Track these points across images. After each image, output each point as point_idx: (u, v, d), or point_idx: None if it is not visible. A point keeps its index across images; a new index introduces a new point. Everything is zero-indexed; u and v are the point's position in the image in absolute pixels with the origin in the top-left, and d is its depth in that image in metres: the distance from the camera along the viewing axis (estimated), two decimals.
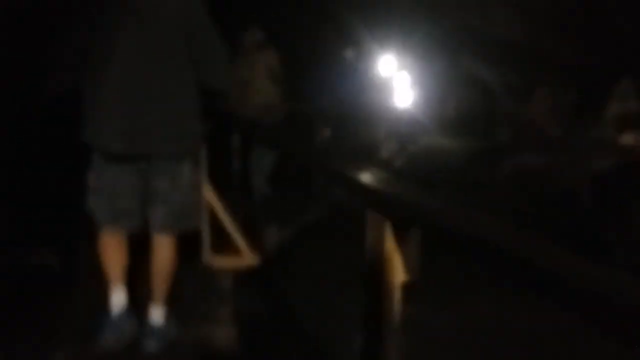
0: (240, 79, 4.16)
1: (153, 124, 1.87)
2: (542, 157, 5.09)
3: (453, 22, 7.35)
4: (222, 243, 3.16)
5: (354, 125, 5.50)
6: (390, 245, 1.00)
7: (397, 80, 7.18)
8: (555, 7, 6.61)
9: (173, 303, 2.24)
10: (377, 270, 1.02)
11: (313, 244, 3.79)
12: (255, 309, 2.67)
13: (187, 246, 2.30)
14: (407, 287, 1.05)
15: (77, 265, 2.83)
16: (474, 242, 0.95)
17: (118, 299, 2.09)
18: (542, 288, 0.80)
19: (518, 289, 1.34)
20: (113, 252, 2.06)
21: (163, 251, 2.09)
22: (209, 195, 2.96)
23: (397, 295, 1.04)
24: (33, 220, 2.98)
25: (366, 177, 1.39)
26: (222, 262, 3.16)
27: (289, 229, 4.12)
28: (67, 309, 2.46)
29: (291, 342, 2.28)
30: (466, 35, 7.52)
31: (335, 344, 2.20)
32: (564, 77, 6.44)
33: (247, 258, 3.17)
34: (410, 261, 1.01)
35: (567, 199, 4.24)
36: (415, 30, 7.56)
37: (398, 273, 1.01)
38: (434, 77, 11.90)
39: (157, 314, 2.12)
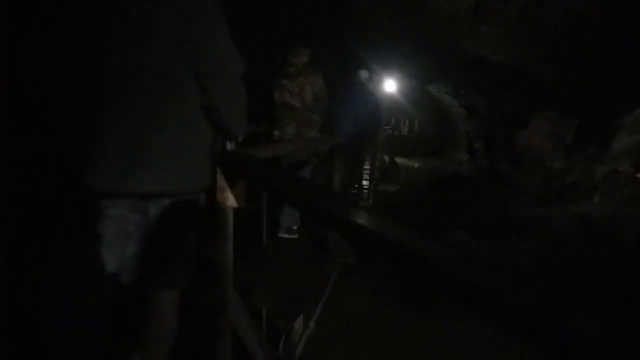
0: (285, 104, 3.67)
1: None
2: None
3: (452, 47, 6.96)
4: None
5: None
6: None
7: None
8: (555, 33, 6.35)
9: None
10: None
11: None
12: None
13: None
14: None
15: None
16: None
17: None
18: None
19: None
20: None
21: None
22: None
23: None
24: None
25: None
26: None
27: None
28: None
29: None
30: (460, 60, 7.13)
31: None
32: (563, 105, 6.17)
33: None
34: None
35: None
36: (415, 55, 7.14)
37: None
38: (403, 98, 11.72)
39: None
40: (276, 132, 3.70)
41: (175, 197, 1.52)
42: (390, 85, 8.91)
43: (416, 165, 10.68)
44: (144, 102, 1.42)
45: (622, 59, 6.06)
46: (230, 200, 1.56)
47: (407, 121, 14.49)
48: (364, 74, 5.51)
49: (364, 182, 5.83)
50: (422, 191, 7.02)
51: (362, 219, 0.92)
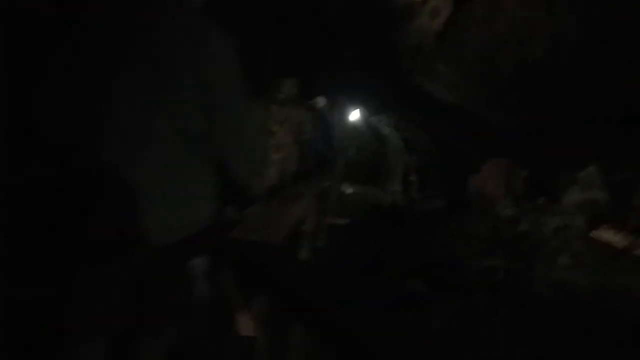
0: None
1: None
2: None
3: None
4: None
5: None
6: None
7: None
8: (508, 80, 6.42)
9: None
10: None
11: None
12: None
13: None
14: None
15: None
16: None
17: None
18: None
19: None
20: None
21: None
22: None
23: None
24: None
25: None
26: None
27: None
28: None
29: None
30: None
31: None
32: (511, 153, 6.20)
33: None
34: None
35: None
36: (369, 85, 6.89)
37: None
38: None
39: None
40: None
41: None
42: (354, 114, 8.71)
43: (351, 190, 10.36)
44: None
45: (570, 114, 6.25)
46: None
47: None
48: (321, 101, 5.11)
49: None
50: (367, 226, 6.67)
51: None
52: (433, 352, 2.99)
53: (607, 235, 4.54)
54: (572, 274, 3.60)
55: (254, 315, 1.25)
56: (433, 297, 4.07)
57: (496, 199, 5.89)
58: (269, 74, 3.65)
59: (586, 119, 5.73)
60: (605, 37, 5.63)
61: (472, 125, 7.08)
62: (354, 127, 9.81)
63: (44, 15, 1.35)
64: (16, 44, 1.45)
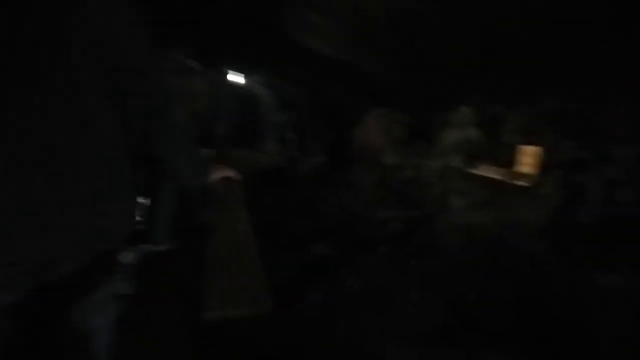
0: None
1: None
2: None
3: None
4: None
5: None
6: None
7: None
8: (383, 27, 6.32)
9: None
10: None
11: None
12: None
13: None
14: None
15: None
16: None
17: None
18: None
19: None
20: None
21: None
22: None
23: None
24: None
25: None
26: None
27: None
28: None
29: None
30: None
31: None
32: (391, 101, 6.21)
33: None
34: None
35: None
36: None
37: None
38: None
39: None
40: None
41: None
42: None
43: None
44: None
45: (445, 57, 6.42)
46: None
47: None
48: (195, 65, 4.50)
49: None
50: (253, 192, 6.25)
51: None
52: (350, 315, 2.80)
53: (484, 170, 4.76)
54: (467, 214, 3.65)
55: None
56: (339, 258, 3.89)
57: (380, 149, 5.88)
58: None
59: (455, 61, 5.93)
60: None
61: (350, 77, 6.95)
62: (228, 88, 9.15)
63: None
64: None
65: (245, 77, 10.21)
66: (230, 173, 1.54)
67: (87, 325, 1.08)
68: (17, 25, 0.92)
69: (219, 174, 1.48)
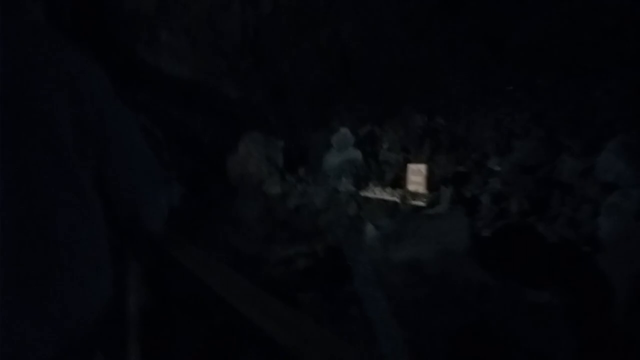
0: None
1: None
2: None
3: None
4: None
5: None
6: None
7: None
8: (237, 45, 5.91)
9: None
10: None
11: None
12: None
13: None
14: None
15: None
16: None
17: None
18: None
19: None
20: None
21: None
22: None
23: None
24: None
25: None
26: None
27: None
28: None
29: None
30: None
31: None
32: (262, 125, 5.82)
33: None
34: None
35: None
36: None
37: None
38: None
39: None
40: None
41: None
42: None
43: None
44: None
45: (299, 78, 6.31)
46: None
47: None
48: None
49: None
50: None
51: None
52: None
53: (376, 193, 4.76)
54: (385, 244, 3.52)
55: None
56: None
57: (261, 177, 5.48)
58: None
59: (318, 81, 5.89)
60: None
61: (208, 100, 6.38)
62: None
63: None
64: None
65: None
66: None
67: None
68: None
69: None
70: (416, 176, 4.58)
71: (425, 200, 4.33)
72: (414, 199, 4.40)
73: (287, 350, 0.84)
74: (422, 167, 4.58)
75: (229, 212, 5.55)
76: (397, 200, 4.50)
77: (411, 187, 4.58)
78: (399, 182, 4.88)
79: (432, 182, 4.64)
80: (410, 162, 4.95)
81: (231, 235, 5.12)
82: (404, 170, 4.89)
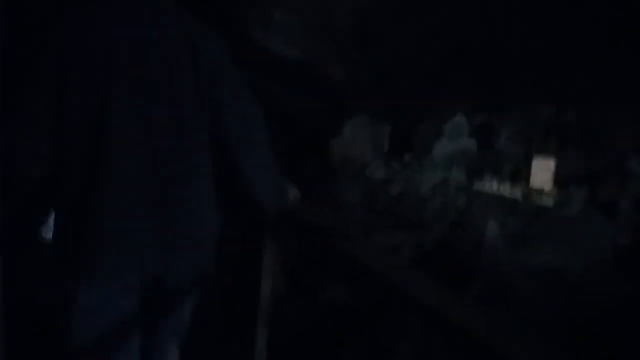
0: None
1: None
2: None
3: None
4: None
5: None
6: None
7: None
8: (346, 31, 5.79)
9: None
10: None
11: None
12: None
13: None
14: None
15: None
16: None
17: None
18: None
19: None
20: None
21: None
22: None
23: None
24: None
25: None
26: None
27: None
28: None
29: None
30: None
31: None
32: (370, 109, 5.67)
33: None
34: None
35: None
36: None
37: None
38: None
39: None
40: None
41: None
42: None
43: None
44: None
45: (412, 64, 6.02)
46: None
47: None
48: None
49: None
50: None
51: None
52: None
53: (491, 186, 4.39)
54: (507, 247, 3.19)
55: None
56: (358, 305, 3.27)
57: (364, 162, 5.33)
58: None
59: (429, 66, 5.55)
60: None
61: (315, 82, 6.32)
62: None
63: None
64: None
65: None
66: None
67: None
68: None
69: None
70: (542, 172, 4.13)
71: (553, 199, 3.89)
72: (539, 197, 3.96)
73: None
74: (550, 162, 4.12)
75: (330, 195, 5.49)
76: (518, 197, 4.09)
77: (535, 184, 4.14)
78: (519, 177, 4.45)
79: (558, 180, 4.16)
80: (533, 155, 4.49)
81: (331, 219, 5.05)
82: (525, 164, 4.45)
